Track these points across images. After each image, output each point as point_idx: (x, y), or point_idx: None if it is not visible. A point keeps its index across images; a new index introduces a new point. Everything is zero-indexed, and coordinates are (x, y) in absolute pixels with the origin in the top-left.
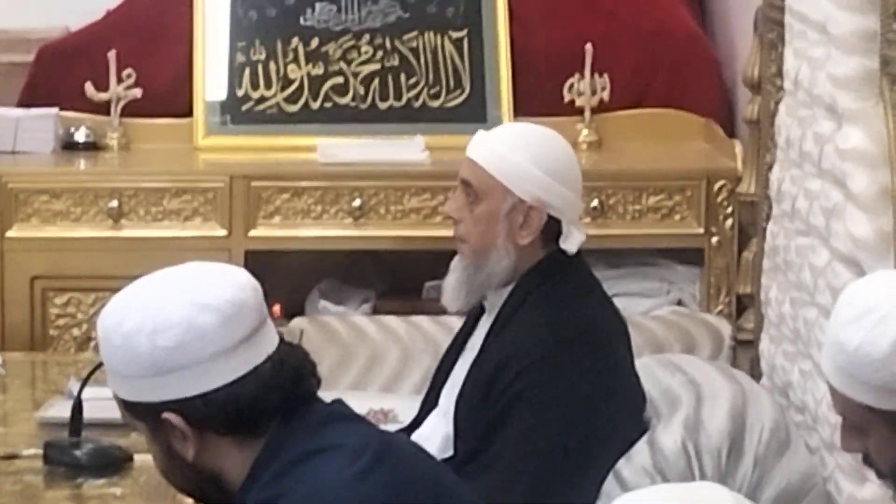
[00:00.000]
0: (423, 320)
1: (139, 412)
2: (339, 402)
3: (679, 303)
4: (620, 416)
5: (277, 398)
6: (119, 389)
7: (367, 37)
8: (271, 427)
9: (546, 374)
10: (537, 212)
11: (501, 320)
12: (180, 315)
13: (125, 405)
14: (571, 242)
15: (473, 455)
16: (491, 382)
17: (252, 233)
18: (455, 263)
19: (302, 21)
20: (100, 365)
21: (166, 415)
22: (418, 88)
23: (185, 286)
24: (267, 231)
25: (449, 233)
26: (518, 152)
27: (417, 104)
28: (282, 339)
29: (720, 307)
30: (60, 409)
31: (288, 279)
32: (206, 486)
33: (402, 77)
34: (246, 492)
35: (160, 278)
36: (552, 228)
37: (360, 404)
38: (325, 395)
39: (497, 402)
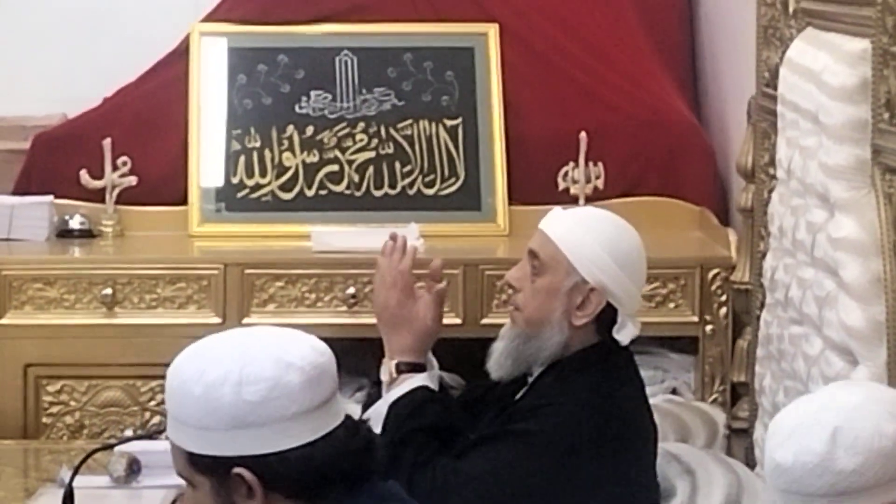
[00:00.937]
0: None
1: (206, 466)
2: (395, 484)
3: (674, 391)
4: None
5: (348, 465)
6: (187, 442)
7: (361, 125)
8: (334, 496)
9: (558, 430)
10: (597, 295)
11: (537, 390)
12: (269, 371)
13: (190, 458)
14: (625, 334)
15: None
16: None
17: (246, 320)
18: (505, 331)
19: (297, 109)
20: (92, 453)
21: (239, 470)
22: (413, 176)
23: (269, 343)
24: (261, 319)
25: (445, 320)
26: (590, 234)
27: (412, 192)
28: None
29: (715, 395)
30: (52, 498)
31: None
32: None
33: (397, 165)
34: None
35: (238, 334)
36: (608, 316)
37: None
38: None
39: (500, 423)
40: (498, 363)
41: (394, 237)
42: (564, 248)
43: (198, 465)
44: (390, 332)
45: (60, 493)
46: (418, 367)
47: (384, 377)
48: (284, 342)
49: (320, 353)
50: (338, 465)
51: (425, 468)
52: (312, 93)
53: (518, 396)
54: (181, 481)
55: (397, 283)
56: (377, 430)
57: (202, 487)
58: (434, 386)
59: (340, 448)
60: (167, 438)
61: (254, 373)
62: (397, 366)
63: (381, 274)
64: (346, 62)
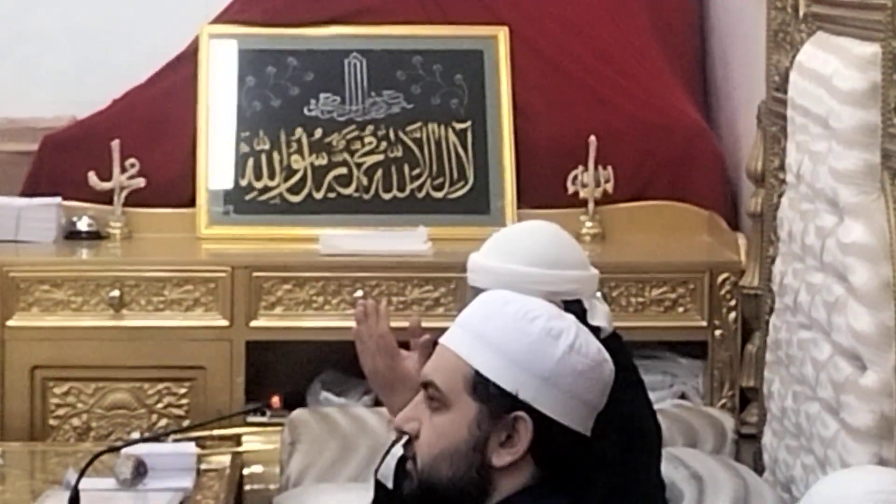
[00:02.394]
0: None
1: (489, 394)
2: None
3: (682, 396)
4: None
5: (591, 473)
6: (485, 364)
7: (370, 127)
8: (567, 490)
9: None
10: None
11: None
12: (594, 353)
13: (475, 379)
14: (598, 317)
15: None
16: None
17: (253, 323)
18: None
19: (306, 111)
20: (98, 455)
21: (522, 414)
22: (422, 179)
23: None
24: (268, 322)
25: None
26: (509, 260)
27: (421, 195)
28: None
29: (723, 401)
30: (58, 501)
31: (289, 370)
32: (465, 490)
33: (406, 168)
34: None
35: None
36: (576, 310)
37: (360, 497)
38: (326, 487)
39: None
40: None
41: (363, 304)
42: (497, 289)
43: (479, 388)
44: (387, 395)
45: (66, 495)
46: None
47: (392, 437)
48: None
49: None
50: (588, 466)
51: None
52: (321, 95)
53: None
54: (187, 484)
55: (380, 346)
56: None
57: (462, 411)
58: None
59: (596, 455)
60: (445, 346)
61: (584, 345)
62: None
63: (361, 342)
64: (355, 65)
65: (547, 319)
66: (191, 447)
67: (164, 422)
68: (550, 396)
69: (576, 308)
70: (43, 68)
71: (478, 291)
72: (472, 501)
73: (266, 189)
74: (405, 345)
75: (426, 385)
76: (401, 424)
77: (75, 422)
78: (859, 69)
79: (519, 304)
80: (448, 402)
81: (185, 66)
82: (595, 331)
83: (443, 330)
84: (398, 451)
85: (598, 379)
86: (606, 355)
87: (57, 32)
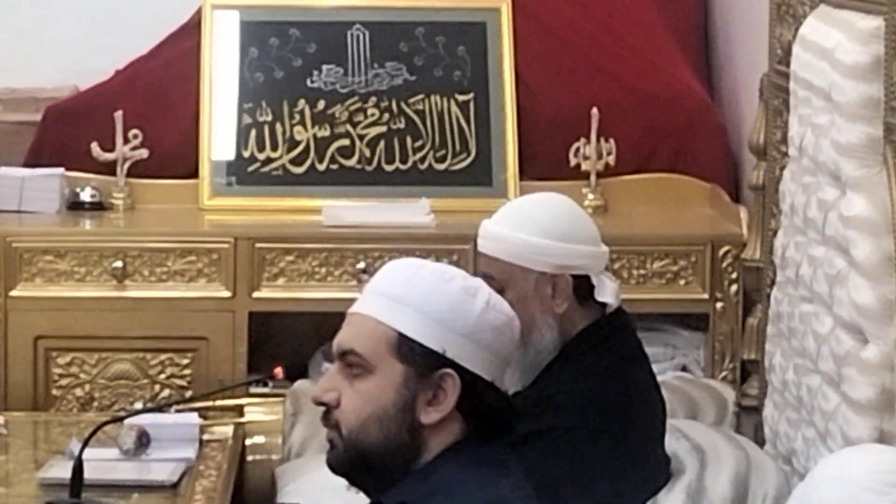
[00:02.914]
0: None
1: (415, 355)
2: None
3: (683, 368)
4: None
5: (503, 420)
6: (406, 325)
7: (373, 99)
8: (485, 439)
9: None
10: (561, 278)
11: (544, 380)
12: (509, 308)
13: (398, 341)
14: (606, 293)
15: None
16: (525, 410)
17: (256, 294)
18: None
19: (308, 83)
20: (102, 425)
21: (449, 371)
22: (424, 151)
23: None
24: (271, 293)
25: None
26: (520, 230)
27: (423, 167)
28: None
29: (724, 373)
30: (61, 470)
31: (291, 341)
32: (396, 452)
33: (408, 140)
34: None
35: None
36: (584, 286)
37: None
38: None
39: (524, 427)
40: (511, 382)
41: (367, 279)
42: (507, 257)
43: (403, 350)
44: None
45: (70, 465)
46: None
47: None
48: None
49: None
50: (504, 415)
51: None
52: (324, 67)
53: (524, 387)
54: (189, 454)
55: None
56: None
57: (388, 373)
58: None
59: (506, 403)
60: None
61: (499, 302)
62: None
63: None
64: (357, 36)
65: (463, 279)
66: (194, 418)
67: (166, 392)
68: (473, 352)
69: (584, 283)
70: (45, 38)
71: (486, 258)
72: (402, 462)
73: (269, 160)
74: None
75: (344, 353)
76: (319, 395)
77: (78, 392)
78: (862, 43)
79: (433, 266)
80: (371, 366)
81: (187, 38)
82: (601, 307)
83: None
84: None
85: (511, 335)
86: (513, 313)
87: (59, 2)
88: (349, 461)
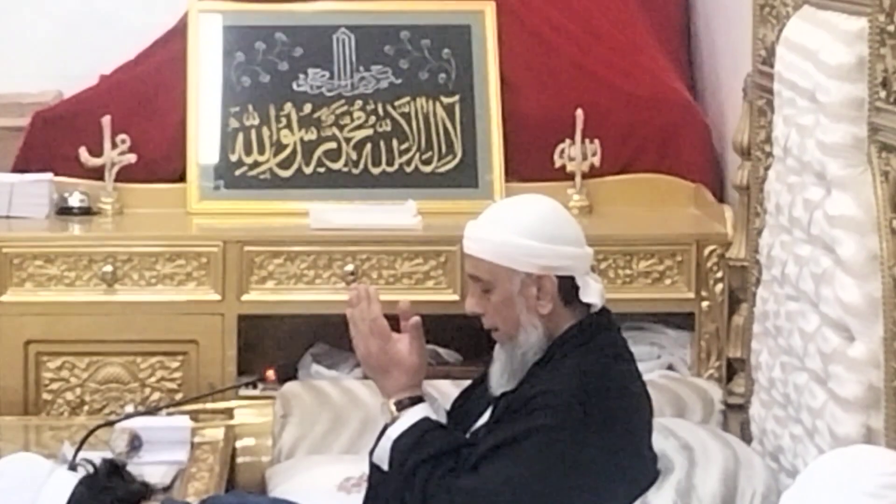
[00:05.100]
0: None
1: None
2: None
3: (669, 367)
4: (618, 491)
5: None
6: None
7: (359, 102)
8: None
9: (559, 419)
10: (547, 279)
11: (530, 381)
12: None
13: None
14: (591, 294)
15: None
16: (512, 410)
17: (245, 297)
18: (496, 351)
19: (295, 87)
20: (95, 429)
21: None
22: (410, 153)
23: None
24: (260, 296)
25: (440, 297)
26: (505, 231)
27: (409, 169)
28: None
29: (710, 371)
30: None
31: (281, 343)
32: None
33: (395, 142)
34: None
35: None
36: (568, 286)
37: (351, 469)
38: (318, 459)
39: (502, 427)
40: (497, 383)
41: (356, 288)
42: (493, 258)
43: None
44: (381, 377)
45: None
46: (418, 400)
47: (386, 419)
48: None
49: None
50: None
51: (438, 495)
52: (310, 70)
53: (512, 388)
54: (181, 457)
55: (373, 330)
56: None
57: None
58: (436, 416)
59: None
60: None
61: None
62: (398, 403)
63: (354, 325)
64: (343, 40)
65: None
66: (185, 420)
67: (156, 395)
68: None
69: (568, 284)
70: (28, 43)
71: (473, 259)
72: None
73: (256, 164)
74: (398, 318)
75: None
76: None
77: (69, 396)
78: (846, 43)
79: None
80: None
81: (174, 42)
82: (586, 307)
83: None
84: (393, 433)
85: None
86: None
87: (42, 6)
88: None
